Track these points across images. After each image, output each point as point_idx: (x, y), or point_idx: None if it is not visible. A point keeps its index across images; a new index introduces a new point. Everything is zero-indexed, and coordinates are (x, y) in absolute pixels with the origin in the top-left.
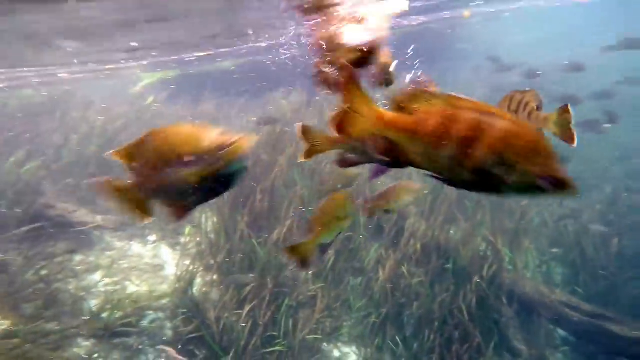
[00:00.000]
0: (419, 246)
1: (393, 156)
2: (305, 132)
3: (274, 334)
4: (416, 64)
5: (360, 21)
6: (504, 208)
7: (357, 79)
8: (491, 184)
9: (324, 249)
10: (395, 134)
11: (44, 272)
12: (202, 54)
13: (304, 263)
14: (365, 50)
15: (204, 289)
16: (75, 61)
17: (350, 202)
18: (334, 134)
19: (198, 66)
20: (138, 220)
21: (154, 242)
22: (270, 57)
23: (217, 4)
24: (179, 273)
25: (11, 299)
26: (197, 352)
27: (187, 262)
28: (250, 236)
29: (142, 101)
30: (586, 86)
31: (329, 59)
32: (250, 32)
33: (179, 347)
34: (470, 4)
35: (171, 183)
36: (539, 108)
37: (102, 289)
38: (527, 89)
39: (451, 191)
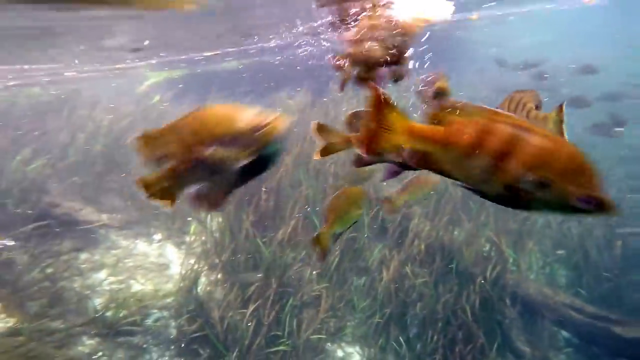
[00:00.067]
0: (423, 247)
1: (425, 166)
2: (321, 130)
3: (278, 333)
4: (426, 62)
5: (394, 23)
6: (508, 210)
7: (385, 94)
8: (523, 200)
9: (337, 238)
10: (428, 146)
11: (49, 270)
12: (209, 53)
13: (323, 252)
14: (396, 51)
15: (209, 288)
16: (77, 61)
17: (364, 195)
18: (348, 132)
19: (204, 65)
20: (165, 207)
21: (159, 240)
22: (279, 58)
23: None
24: (183, 272)
25: (16, 296)
26: (201, 351)
27: (192, 261)
28: (255, 235)
29: (148, 100)
30: (592, 87)
31: (355, 56)
32: (260, 32)
33: (183, 345)
34: (480, 7)
35: (207, 166)
36: (537, 107)
37: (107, 288)
38: (527, 89)
39: (455, 192)
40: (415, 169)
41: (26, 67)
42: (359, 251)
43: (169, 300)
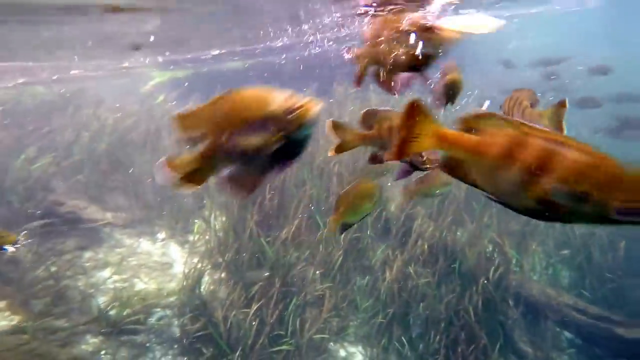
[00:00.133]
0: (426, 247)
1: (454, 174)
2: (336, 127)
3: (281, 332)
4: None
5: (429, 29)
6: (512, 211)
7: (418, 99)
8: (556, 213)
9: (347, 227)
10: (459, 153)
11: (53, 269)
12: (215, 52)
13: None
14: (424, 58)
15: (212, 287)
16: (76, 58)
17: (378, 190)
18: (362, 129)
19: (209, 65)
20: (191, 189)
21: (163, 239)
22: (284, 57)
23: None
24: (187, 271)
25: (21, 295)
26: (205, 350)
27: (196, 260)
28: (259, 235)
29: (153, 100)
30: (604, 88)
31: (378, 56)
32: (268, 30)
33: (186, 344)
34: (485, 9)
35: (238, 149)
36: (532, 105)
37: (111, 286)
38: (524, 89)
39: (459, 193)
40: (424, 170)
41: (30, 64)
42: (362, 251)
43: (172, 299)
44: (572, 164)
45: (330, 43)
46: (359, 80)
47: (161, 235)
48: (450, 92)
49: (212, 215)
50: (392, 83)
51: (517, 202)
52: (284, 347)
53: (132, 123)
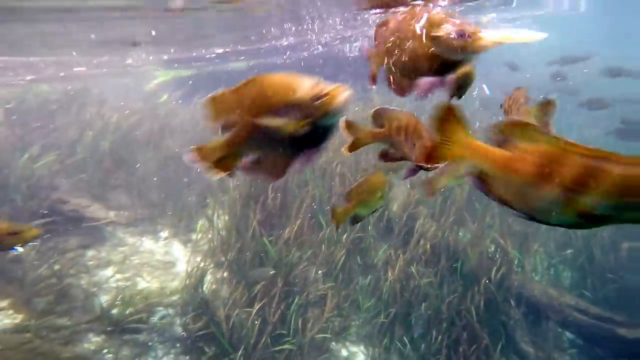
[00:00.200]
0: (428, 247)
1: (482, 189)
2: (349, 126)
3: (283, 332)
4: None
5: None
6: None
7: (455, 107)
8: (596, 222)
9: (357, 220)
10: (490, 169)
11: (56, 267)
12: (220, 50)
13: (336, 226)
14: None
15: (214, 286)
16: (74, 53)
17: (387, 182)
18: (373, 127)
19: (213, 64)
20: (219, 175)
21: (166, 238)
22: (286, 57)
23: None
24: (189, 270)
25: (24, 293)
26: (207, 349)
27: (198, 259)
28: (261, 234)
29: (156, 99)
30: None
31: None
32: (271, 30)
33: (189, 343)
34: (489, 12)
35: (265, 135)
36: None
37: (114, 285)
38: (521, 87)
39: (461, 193)
40: (429, 170)
41: (31, 59)
42: (364, 251)
43: (174, 298)
44: (616, 180)
45: (336, 42)
46: (374, 80)
47: (164, 234)
48: (462, 84)
49: (215, 214)
50: (408, 86)
51: (552, 218)
52: (286, 346)
53: (136, 121)
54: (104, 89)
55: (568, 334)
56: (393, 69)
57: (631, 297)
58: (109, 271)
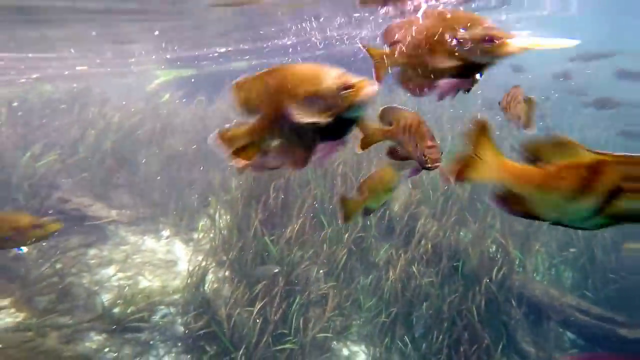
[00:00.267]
0: (429, 246)
1: (509, 208)
2: (361, 124)
3: (285, 331)
4: None
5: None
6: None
7: (487, 125)
8: (629, 221)
9: (367, 212)
10: (522, 187)
11: (58, 266)
12: (222, 49)
13: (347, 217)
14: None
15: (216, 285)
16: (72, 50)
17: (397, 176)
18: (381, 125)
19: (215, 64)
20: (240, 163)
21: (168, 237)
22: (287, 58)
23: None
24: (191, 269)
25: (25, 291)
26: (208, 348)
27: (200, 258)
28: (263, 233)
29: (158, 98)
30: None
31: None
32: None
33: (190, 342)
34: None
35: (290, 124)
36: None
37: (115, 284)
38: (517, 86)
39: (462, 193)
40: (430, 170)
41: (30, 55)
42: (366, 250)
43: (176, 296)
44: None
45: (337, 42)
46: (380, 80)
47: (166, 232)
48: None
49: (217, 214)
50: (427, 87)
51: (586, 224)
52: (287, 345)
53: (138, 121)
54: (106, 89)
55: (569, 334)
56: (412, 69)
57: (632, 297)
58: (110, 270)
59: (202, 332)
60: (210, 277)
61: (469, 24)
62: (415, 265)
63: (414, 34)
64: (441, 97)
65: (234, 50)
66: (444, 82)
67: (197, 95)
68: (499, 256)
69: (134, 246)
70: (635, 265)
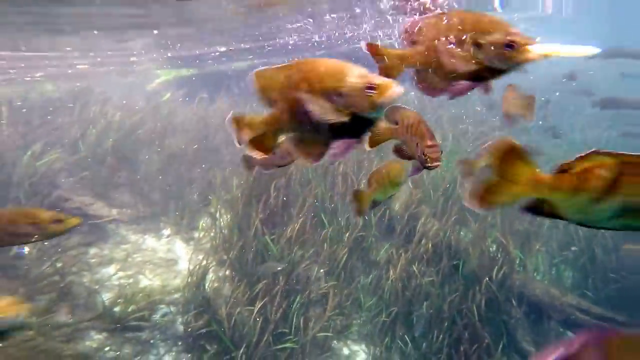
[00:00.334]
0: (430, 246)
1: (539, 213)
2: None
3: (285, 330)
4: None
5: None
6: (515, 210)
7: (513, 141)
8: None
9: (375, 204)
10: (557, 196)
11: (58, 265)
12: (223, 49)
13: (359, 210)
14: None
15: (216, 284)
16: (76, 54)
17: (404, 170)
18: (388, 124)
19: (216, 63)
20: (258, 154)
21: (168, 236)
22: (289, 58)
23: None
24: (191, 268)
25: (26, 290)
26: (209, 347)
27: (200, 257)
28: (263, 232)
29: (159, 98)
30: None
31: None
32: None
33: (190, 341)
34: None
35: (308, 119)
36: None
37: (116, 283)
38: (511, 84)
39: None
40: (430, 169)
41: (29, 54)
42: (366, 249)
43: (176, 296)
44: None
45: (339, 42)
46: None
47: (166, 231)
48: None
49: (218, 213)
50: (443, 88)
51: (611, 224)
52: (287, 344)
53: (139, 120)
54: (106, 88)
55: (570, 334)
56: (429, 71)
57: (633, 297)
58: (111, 269)
59: (202, 331)
60: (210, 276)
61: (491, 28)
62: (416, 264)
63: (437, 36)
64: (452, 98)
65: (235, 50)
66: (461, 85)
67: (198, 94)
68: (499, 255)
69: (135, 245)
70: (635, 265)
